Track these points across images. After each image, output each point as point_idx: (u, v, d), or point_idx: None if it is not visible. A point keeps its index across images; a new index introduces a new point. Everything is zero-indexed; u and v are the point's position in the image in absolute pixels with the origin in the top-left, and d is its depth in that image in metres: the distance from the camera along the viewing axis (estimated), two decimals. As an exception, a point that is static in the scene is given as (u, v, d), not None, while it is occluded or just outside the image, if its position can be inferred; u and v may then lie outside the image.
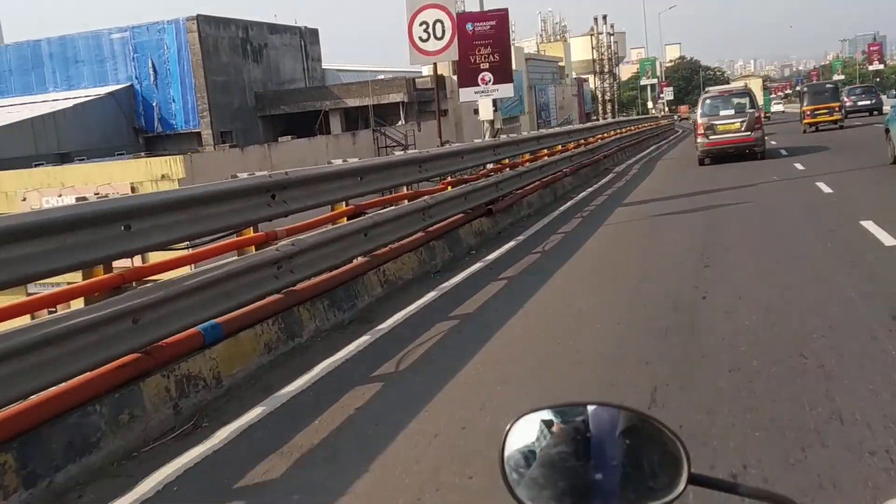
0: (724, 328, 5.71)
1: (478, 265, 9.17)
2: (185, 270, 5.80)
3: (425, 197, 9.38)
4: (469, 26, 15.84)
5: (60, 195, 25.91)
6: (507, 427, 1.12)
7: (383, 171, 8.75)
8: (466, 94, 16.24)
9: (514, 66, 63.45)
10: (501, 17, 16.99)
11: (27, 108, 40.64)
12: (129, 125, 42.96)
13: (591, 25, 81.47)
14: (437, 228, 9.45)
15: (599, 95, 79.42)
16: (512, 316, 6.60)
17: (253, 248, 6.25)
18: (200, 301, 5.21)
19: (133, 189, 25.35)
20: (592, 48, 79.80)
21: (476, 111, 17.01)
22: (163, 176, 25.25)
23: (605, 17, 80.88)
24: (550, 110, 72.70)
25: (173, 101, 42.49)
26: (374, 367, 5.54)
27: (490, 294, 7.60)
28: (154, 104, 42.78)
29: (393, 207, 8.71)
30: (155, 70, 42.30)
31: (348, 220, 7.70)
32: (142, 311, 4.63)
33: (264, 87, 45.99)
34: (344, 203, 7.84)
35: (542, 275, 8.30)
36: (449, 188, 10.49)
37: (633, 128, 35.25)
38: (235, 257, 6.09)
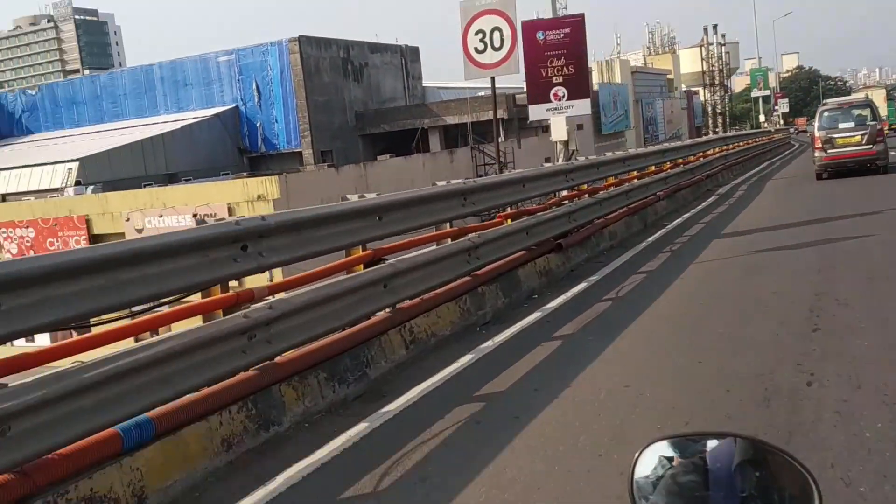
0: (834, 439, 4.03)
1: (535, 315, 7.55)
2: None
3: (471, 235, 7.76)
4: (539, 35, 14.05)
5: (161, 215, 26.26)
6: (636, 455, 1.22)
7: (413, 207, 7.00)
8: (536, 111, 14.59)
9: (619, 80, 61.63)
10: (577, 23, 15.06)
11: (138, 131, 42.05)
12: (234, 145, 43.81)
13: (702, 36, 78.55)
14: (489, 271, 7.88)
15: (710, 108, 76.32)
16: (552, 400, 5.13)
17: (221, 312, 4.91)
18: (118, 393, 3.87)
19: (230, 210, 25.40)
20: (702, 59, 76.91)
21: (574, 126, 15.46)
22: (259, 196, 25.16)
23: (715, 27, 77.95)
24: (658, 124, 70.37)
25: (276, 121, 43.07)
26: (351, 479, 4.13)
27: (535, 362, 6.07)
28: (258, 124, 43.48)
29: (424, 250, 7.14)
30: (259, 91, 43.00)
31: (364, 267, 6.22)
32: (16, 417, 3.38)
33: (365, 106, 46.10)
34: (360, 247, 6.32)
35: (606, 334, 6.64)
36: (508, 221, 8.88)
37: (741, 143, 32.56)
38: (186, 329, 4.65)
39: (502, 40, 12.90)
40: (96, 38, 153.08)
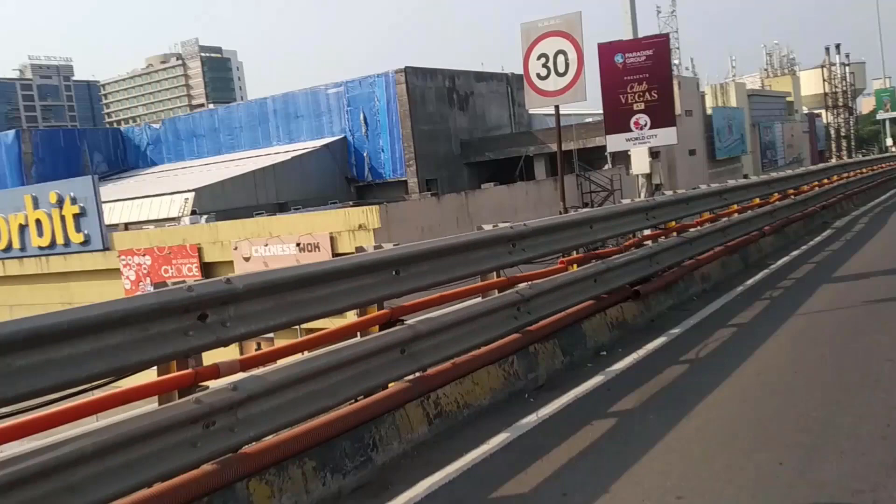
0: None
1: (597, 379, 6.44)
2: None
3: (521, 286, 6.65)
4: (618, 58, 12.96)
5: (266, 244, 26.86)
6: None
7: (444, 257, 5.91)
8: (614, 141, 13.42)
9: (734, 103, 59.38)
10: (660, 44, 13.88)
11: (252, 161, 43.53)
12: (342, 175, 44.67)
13: (823, 57, 75.01)
14: (544, 326, 6.74)
15: (833, 132, 72.55)
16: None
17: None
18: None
19: (332, 239, 25.72)
20: (824, 81, 73.33)
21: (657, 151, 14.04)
22: (360, 226, 25.36)
23: (838, 47, 74.27)
24: (777, 149, 67.54)
25: (382, 150, 43.69)
26: None
27: (577, 449, 4.95)
28: (365, 154, 44.22)
29: (457, 307, 6.09)
30: (366, 122, 43.78)
31: (380, 329, 5.31)
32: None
33: (470, 135, 46.19)
34: (376, 306, 5.43)
35: (672, 412, 5.47)
36: (573, 267, 7.75)
37: (863, 170, 29.39)
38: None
39: (567, 64, 11.61)
40: (220, 74, 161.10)
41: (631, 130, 12.95)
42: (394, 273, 5.34)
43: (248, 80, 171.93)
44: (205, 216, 33.96)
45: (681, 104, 48.50)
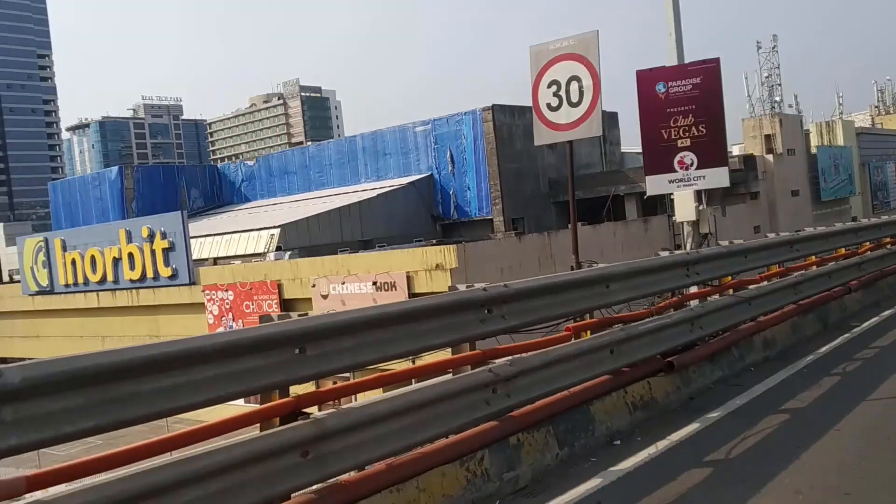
0: None
1: (589, 485, 5.01)
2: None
3: (494, 364, 5.34)
4: (660, 87, 11.33)
5: (343, 282, 26.59)
6: None
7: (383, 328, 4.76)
8: (656, 183, 11.73)
9: (841, 142, 56.40)
10: (710, 70, 11.92)
11: (339, 198, 43.83)
12: (428, 213, 44.41)
13: (941, 92, 70.77)
14: (534, 410, 5.44)
15: (953, 171, 68.00)
16: None
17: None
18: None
19: (409, 278, 25.22)
20: (943, 118, 69.10)
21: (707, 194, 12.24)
22: (437, 266, 24.78)
23: (958, 82, 69.85)
24: (889, 190, 63.87)
25: (468, 188, 43.25)
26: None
27: None
28: (451, 192, 43.88)
29: (398, 392, 4.86)
30: (452, 159, 43.51)
31: (279, 423, 4.19)
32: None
33: (559, 173, 45.21)
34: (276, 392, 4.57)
35: None
36: (585, 334, 6.37)
37: None
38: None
39: (581, 93, 9.70)
40: (319, 113, 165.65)
41: (675, 170, 11.24)
42: (297, 350, 4.25)
43: (345, 119, 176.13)
44: (288, 252, 34.15)
45: (782, 142, 46.30)
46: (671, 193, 11.74)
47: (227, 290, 30.61)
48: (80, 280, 36.84)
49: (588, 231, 31.18)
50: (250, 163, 55.12)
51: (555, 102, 10.07)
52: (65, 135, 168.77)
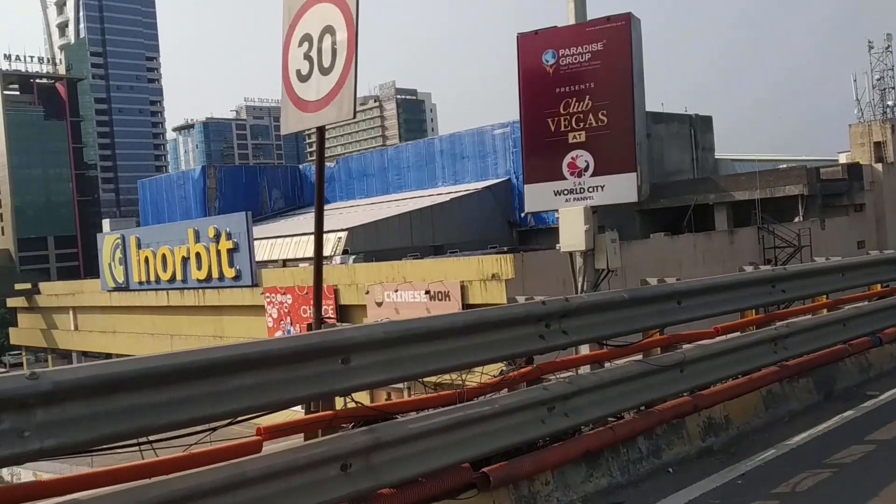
0: None
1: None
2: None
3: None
4: (548, 57, 7.61)
5: (397, 290, 25.45)
6: None
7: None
8: (536, 196, 7.85)
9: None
10: (618, 31, 7.77)
11: (414, 202, 42.85)
12: (504, 219, 42.87)
13: None
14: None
15: None
16: None
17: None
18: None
19: (462, 288, 23.85)
20: None
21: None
22: (493, 276, 23.30)
23: None
24: None
25: (546, 194, 41.44)
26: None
27: None
28: (528, 198, 42.18)
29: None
30: (531, 163, 41.81)
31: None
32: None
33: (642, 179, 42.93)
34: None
35: None
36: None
37: None
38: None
39: (334, 54, 5.24)
40: (414, 115, 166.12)
41: (564, 177, 7.49)
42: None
43: (440, 121, 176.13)
44: (352, 256, 33.33)
45: (893, 151, 42.50)
46: (595, 209, 8.04)
47: (285, 294, 30.00)
48: (153, 278, 37.13)
49: (665, 242, 29.06)
50: (330, 164, 54.92)
51: (305, 69, 5.40)
52: (170, 135, 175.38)
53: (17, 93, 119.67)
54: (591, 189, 7.54)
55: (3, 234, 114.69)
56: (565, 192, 7.61)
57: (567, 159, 7.42)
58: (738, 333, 6.80)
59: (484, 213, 41.90)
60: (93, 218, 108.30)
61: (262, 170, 59.57)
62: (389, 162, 50.03)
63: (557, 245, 8.27)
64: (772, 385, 6.53)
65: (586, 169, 7.39)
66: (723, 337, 6.48)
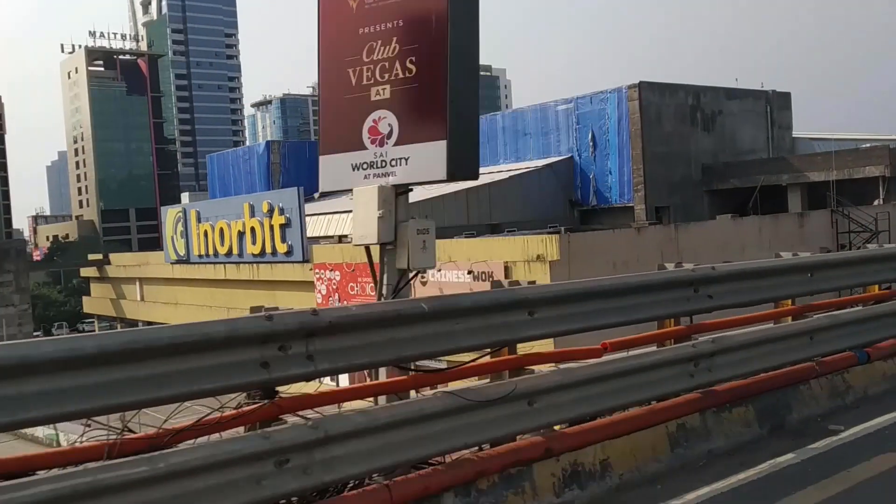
0: None
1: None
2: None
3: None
4: None
5: (440, 269, 24.83)
6: None
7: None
8: (332, 169, 5.60)
9: None
10: None
11: (480, 178, 42.01)
12: (566, 198, 41.70)
13: None
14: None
15: None
16: None
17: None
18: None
19: (506, 269, 23.07)
20: None
21: None
22: (538, 256, 22.43)
23: None
24: None
25: (610, 173, 40.11)
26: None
27: None
28: (591, 176, 40.92)
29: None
30: (594, 141, 40.49)
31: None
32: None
33: (714, 159, 41.09)
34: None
35: None
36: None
37: None
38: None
39: None
40: (488, 92, 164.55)
41: (364, 146, 5.37)
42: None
43: (514, 98, 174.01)
44: (405, 234, 32.85)
45: None
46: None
47: (333, 271, 29.77)
48: (211, 251, 37.51)
49: (727, 225, 27.58)
50: (393, 140, 54.54)
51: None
52: (249, 111, 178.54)
53: (102, 69, 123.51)
54: (393, 162, 5.31)
55: (87, 205, 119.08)
56: (364, 165, 5.43)
57: (368, 123, 5.30)
58: (635, 352, 5.40)
59: (544, 192, 40.82)
60: (172, 191, 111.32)
61: (326, 145, 59.46)
62: (451, 138, 49.24)
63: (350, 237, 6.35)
64: (686, 417, 5.21)
65: (389, 135, 5.24)
66: (610, 357, 5.16)
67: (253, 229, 34.12)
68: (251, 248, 34.44)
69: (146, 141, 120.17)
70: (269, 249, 33.35)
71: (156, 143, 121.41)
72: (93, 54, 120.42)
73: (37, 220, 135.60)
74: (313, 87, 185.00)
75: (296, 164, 51.83)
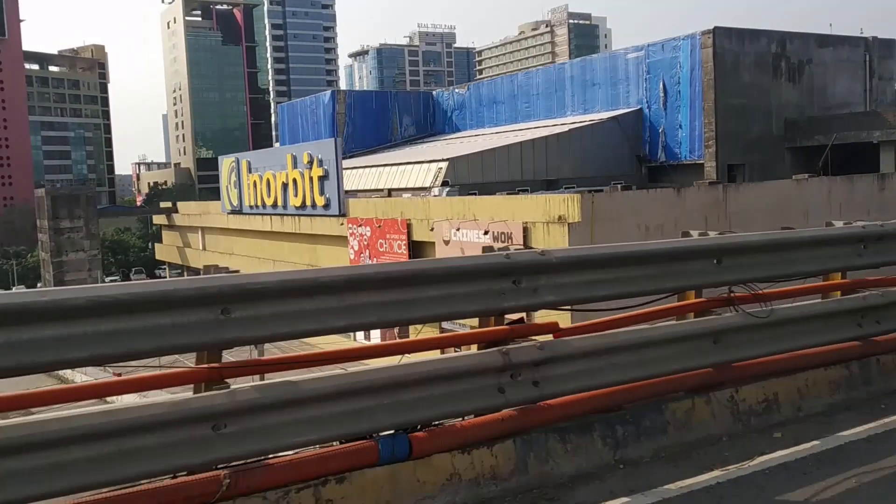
0: None
1: None
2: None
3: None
4: None
5: (459, 228, 23.31)
6: None
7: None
8: None
9: None
10: None
11: (536, 132, 39.90)
12: (633, 153, 39.03)
13: None
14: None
15: None
16: None
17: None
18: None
19: (525, 230, 21.30)
20: None
21: None
22: (559, 218, 20.55)
23: None
24: None
25: (680, 126, 37.16)
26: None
27: None
28: (660, 130, 38.05)
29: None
30: (665, 92, 37.51)
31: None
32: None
33: (800, 113, 37.43)
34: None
35: None
36: None
37: None
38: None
39: None
40: (587, 42, 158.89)
41: None
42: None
43: (614, 47, 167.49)
44: (446, 189, 31.36)
45: None
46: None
47: (364, 226, 28.63)
48: (259, 203, 37.10)
49: (788, 186, 24.72)
50: (461, 91, 52.65)
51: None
52: (346, 61, 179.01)
53: (199, 18, 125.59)
54: None
55: (184, 153, 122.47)
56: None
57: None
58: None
59: (609, 146, 38.27)
60: (265, 141, 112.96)
61: (394, 96, 58.15)
62: (519, 89, 46.97)
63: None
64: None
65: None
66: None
67: (295, 181, 33.35)
68: (293, 201, 33.73)
69: (240, 91, 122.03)
70: (308, 202, 32.53)
71: (249, 93, 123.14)
72: (190, 4, 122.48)
73: (140, 167, 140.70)
74: (410, 37, 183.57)
75: (362, 115, 50.88)
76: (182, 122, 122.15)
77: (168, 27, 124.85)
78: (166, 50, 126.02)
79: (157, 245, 56.66)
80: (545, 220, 20.84)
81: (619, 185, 29.56)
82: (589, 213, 20.12)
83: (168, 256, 53.52)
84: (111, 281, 57.20)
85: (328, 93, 53.20)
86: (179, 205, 52.17)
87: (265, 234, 37.39)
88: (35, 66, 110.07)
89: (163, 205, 55.40)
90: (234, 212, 40.56)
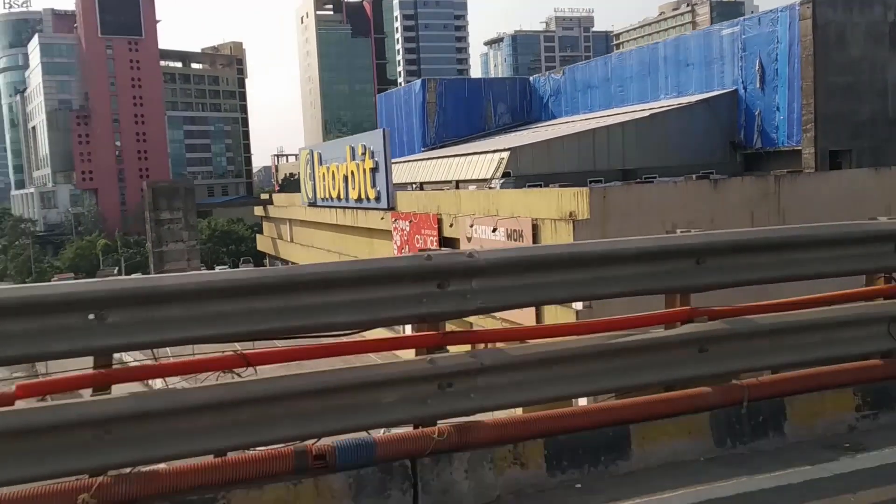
0: None
1: None
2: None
3: None
4: None
5: (472, 224, 21.63)
6: None
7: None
8: None
9: None
10: None
11: (626, 116, 37.15)
12: (726, 139, 35.54)
13: None
14: None
15: None
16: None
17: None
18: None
19: (535, 227, 19.33)
20: None
21: None
22: (570, 213, 18.47)
23: None
24: None
25: (777, 109, 33.38)
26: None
27: None
28: (756, 113, 34.38)
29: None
30: (762, 71, 33.80)
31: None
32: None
33: (923, 90, 32.72)
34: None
35: None
36: None
37: None
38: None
39: None
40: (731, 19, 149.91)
41: None
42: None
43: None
44: (502, 180, 29.55)
45: None
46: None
47: (405, 221, 27.39)
48: (327, 195, 36.71)
49: (864, 177, 21.25)
50: (557, 76, 50.20)
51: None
52: (482, 49, 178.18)
53: (331, 12, 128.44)
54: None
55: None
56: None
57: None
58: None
59: (697, 132, 35.02)
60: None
61: (488, 83, 56.34)
62: (612, 72, 44.07)
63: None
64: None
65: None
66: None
67: (352, 173, 32.62)
68: (352, 193, 33.02)
69: (369, 82, 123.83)
70: (363, 195, 31.69)
71: (378, 84, 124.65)
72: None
73: (278, 158, 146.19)
74: (546, 23, 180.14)
75: (453, 103, 49.61)
76: (314, 114, 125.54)
77: (301, 22, 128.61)
78: (300, 44, 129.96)
79: (258, 236, 58.00)
80: (555, 217, 18.81)
81: (710, 174, 26.79)
82: (599, 209, 17.92)
83: (266, 247, 54.59)
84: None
85: (418, 82, 52.25)
86: (274, 197, 52.94)
87: (332, 227, 37.01)
88: (178, 64, 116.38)
89: (264, 195, 56.50)
90: (311, 204, 40.46)
